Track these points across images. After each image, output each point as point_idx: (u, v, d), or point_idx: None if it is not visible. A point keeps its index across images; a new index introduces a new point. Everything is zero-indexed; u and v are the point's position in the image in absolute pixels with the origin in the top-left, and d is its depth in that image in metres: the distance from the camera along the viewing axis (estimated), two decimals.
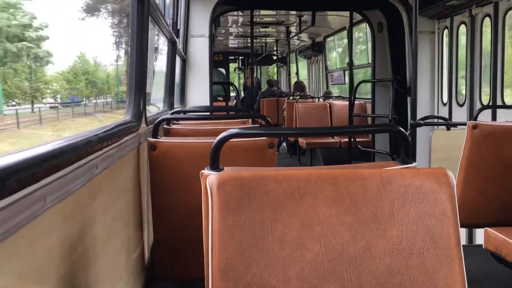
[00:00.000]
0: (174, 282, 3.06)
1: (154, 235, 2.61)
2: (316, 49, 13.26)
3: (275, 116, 10.98)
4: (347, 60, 9.30)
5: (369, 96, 8.25)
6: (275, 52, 15.95)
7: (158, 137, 2.66)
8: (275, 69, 19.62)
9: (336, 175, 1.39)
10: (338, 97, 10.98)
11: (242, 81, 19.25)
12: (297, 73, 16.12)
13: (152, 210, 2.58)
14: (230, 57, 19.22)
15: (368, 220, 1.35)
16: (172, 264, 2.61)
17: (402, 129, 1.58)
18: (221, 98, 13.32)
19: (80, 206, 1.54)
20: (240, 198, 1.33)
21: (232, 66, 20.06)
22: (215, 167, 1.44)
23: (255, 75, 19.43)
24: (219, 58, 18.17)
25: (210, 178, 1.34)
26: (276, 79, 14.58)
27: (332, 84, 12.83)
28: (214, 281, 1.28)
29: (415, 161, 1.54)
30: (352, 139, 7.87)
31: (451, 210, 1.36)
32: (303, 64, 16.56)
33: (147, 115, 2.84)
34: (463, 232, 4.91)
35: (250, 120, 3.78)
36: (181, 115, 3.75)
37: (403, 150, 1.55)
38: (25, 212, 1.06)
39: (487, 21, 5.35)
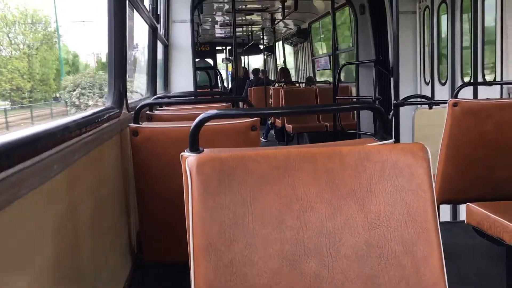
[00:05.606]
0: (162, 266, 3.07)
1: (140, 220, 2.61)
2: (302, 36, 13.23)
3: (263, 104, 10.99)
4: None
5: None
6: (261, 41, 15.84)
7: (140, 123, 2.65)
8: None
9: (315, 153, 1.40)
10: (323, 82, 11.00)
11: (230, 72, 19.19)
12: (284, 61, 16.08)
13: (137, 195, 2.58)
14: (217, 48, 19.01)
15: (346, 196, 1.36)
16: (159, 248, 2.62)
17: (379, 106, 1.59)
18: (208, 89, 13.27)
19: (61, 191, 1.54)
20: (220, 178, 1.33)
21: (220, 56, 19.89)
22: (195, 149, 1.44)
23: (242, 65, 19.36)
24: (206, 49, 17.93)
25: (189, 159, 1.34)
26: (263, 68, 14.56)
27: (318, 70, 12.82)
28: (196, 261, 1.29)
29: (393, 138, 1.56)
30: (337, 122, 7.91)
31: (427, 183, 1.38)
32: (290, 53, 16.51)
33: (129, 101, 2.82)
34: (447, 209, 4.98)
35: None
36: (164, 100, 3.72)
37: (381, 127, 1.57)
38: (1, 197, 1.05)
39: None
